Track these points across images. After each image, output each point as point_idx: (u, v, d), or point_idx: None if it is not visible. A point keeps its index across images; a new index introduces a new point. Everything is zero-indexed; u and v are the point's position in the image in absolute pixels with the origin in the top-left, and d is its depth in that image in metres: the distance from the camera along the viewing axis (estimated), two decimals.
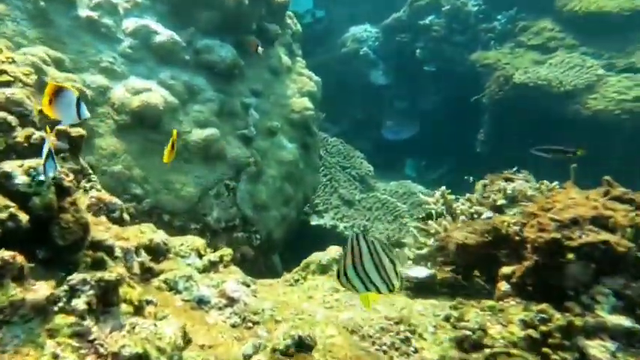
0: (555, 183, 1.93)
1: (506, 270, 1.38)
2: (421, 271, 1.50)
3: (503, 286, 1.35)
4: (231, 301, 1.31)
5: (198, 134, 2.67)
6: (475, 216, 1.88)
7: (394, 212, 5.23)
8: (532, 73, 5.14)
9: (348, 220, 5.00)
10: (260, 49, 2.79)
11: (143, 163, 2.50)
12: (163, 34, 2.72)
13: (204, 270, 1.47)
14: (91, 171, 1.69)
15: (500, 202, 1.83)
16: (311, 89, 3.39)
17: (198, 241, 1.58)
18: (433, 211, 2.02)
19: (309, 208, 5.09)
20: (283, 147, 3.08)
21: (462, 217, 1.84)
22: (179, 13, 2.85)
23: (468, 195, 2.09)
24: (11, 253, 0.87)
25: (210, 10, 2.84)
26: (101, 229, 1.22)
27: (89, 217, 1.11)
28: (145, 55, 2.69)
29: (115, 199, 1.55)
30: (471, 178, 2.37)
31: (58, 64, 2.34)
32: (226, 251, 1.58)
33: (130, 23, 2.69)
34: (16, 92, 1.18)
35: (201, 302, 1.29)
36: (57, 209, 1.00)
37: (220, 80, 2.94)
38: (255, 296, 1.37)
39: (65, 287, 0.94)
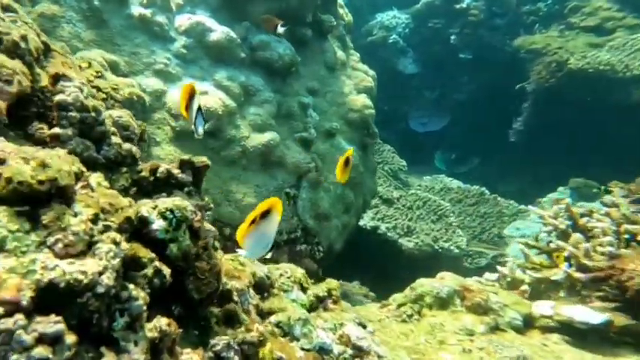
0: None
1: None
2: (591, 315, 1.31)
3: None
4: (360, 351, 1.17)
5: (257, 139, 2.53)
6: (626, 237, 1.71)
7: (437, 211, 5.06)
8: (591, 57, 4.86)
9: (389, 220, 4.85)
10: (280, 28, 2.46)
11: None
12: (218, 30, 2.56)
13: (312, 307, 1.33)
14: (211, 204, 1.55)
15: None
16: (368, 85, 3.21)
17: (298, 271, 1.44)
18: (546, 232, 1.85)
19: None
20: (343, 149, 2.92)
21: (607, 238, 1.66)
22: (233, 5, 2.68)
23: (604, 209, 1.91)
24: (167, 320, 0.74)
25: (268, 2, 2.67)
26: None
27: (221, 261, 0.97)
28: (199, 54, 2.54)
29: (211, 227, 1.41)
30: (601, 187, 2.15)
31: (114, 68, 2.20)
32: (333, 284, 1.44)
33: (182, 20, 2.53)
34: (123, 115, 1.04)
35: (322, 351, 1.16)
36: (193, 257, 0.87)
37: (276, 79, 2.78)
38: (378, 342, 1.23)
39: (210, 354, 0.81)
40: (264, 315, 1.21)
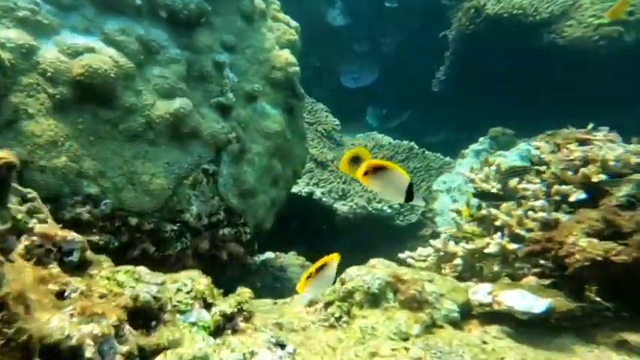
0: None
1: None
2: (532, 302, 1.16)
3: None
4: None
5: (165, 107, 2.10)
6: (558, 199, 1.58)
7: None
8: (505, 2, 4.82)
9: (324, 184, 4.66)
10: None
11: (96, 151, 1.92)
12: None
13: (218, 329, 1.05)
14: (33, 192, 1.17)
15: (598, 177, 1.50)
16: (291, 38, 2.84)
17: (201, 282, 1.13)
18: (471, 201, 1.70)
19: None
20: (267, 115, 2.59)
21: (539, 202, 1.54)
22: None
23: (534, 168, 1.76)
24: None
25: None
26: (49, 304, 0.75)
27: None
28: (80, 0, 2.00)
29: (71, 235, 1.06)
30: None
31: None
32: (244, 294, 1.16)
33: None
34: None
35: None
36: None
37: (184, 33, 2.32)
38: None
39: None
40: (146, 357, 0.91)
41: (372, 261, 1.40)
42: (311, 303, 1.35)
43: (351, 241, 4.42)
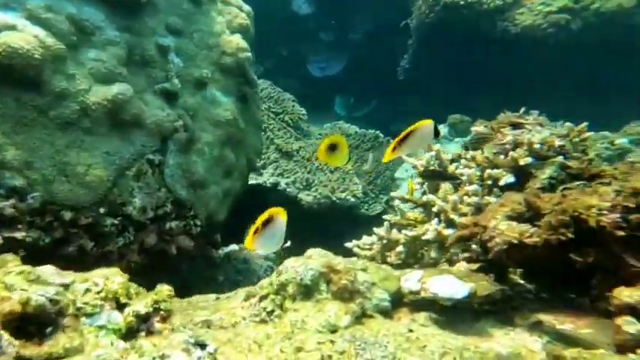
0: (584, 125, 1.62)
1: (627, 295, 0.91)
2: (456, 287, 1.12)
3: (629, 326, 0.91)
4: None
5: (101, 93, 1.95)
6: (488, 183, 1.55)
7: None
8: None
9: (289, 175, 4.57)
10: None
11: (21, 140, 1.76)
12: None
13: (130, 331, 0.95)
14: None
15: (524, 160, 1.49)
16: (243, 22, 2.71)
17: (115, 280, 1.02)
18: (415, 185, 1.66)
19: None
20: (217, 102, 2.46)
21: (473, 187, 1.50)
22: None
23: (470, 153, 1.72)
24: None
25: None
26: None
27: None
28: None
29: None
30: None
31: None
32: (163, 292, 1.05)
33: None
34: None
35: None
36: None
37: (123, 13, 2.16)
38: None
39: None
40: None
41: (310, 251, 1.33)
42: (248, 296, 1.26)
43: (317, 231, 4.36)
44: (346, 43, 7.76)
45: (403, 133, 1.22)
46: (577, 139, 1.44)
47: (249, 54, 2.60)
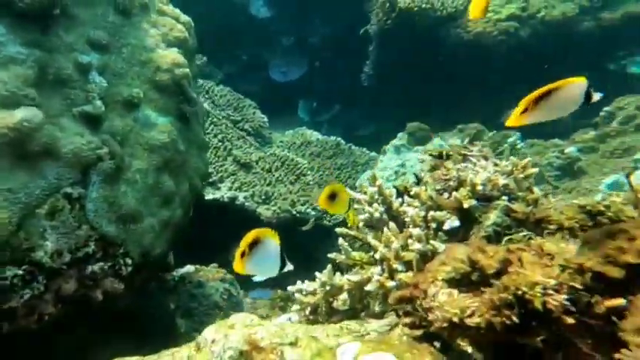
0: (528, 160, 1.47)
1: None
2: None
3: None
4: None
5: (1, 120, 1.66)
6: (433, 225, 1.38)
7: (295, 170, 4.70)
8: None
9: (247, 188, 4.33)
10: None
11: None
12: None
13: None
14: None
15: (468, 202, 1.33)
16: (180, 35, 2.46)
17: None
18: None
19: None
20: (152, 124, 2.20)
21: (416, 230, 1.32)
22: None
23: (414, 189, 1.54)
24: None
25: None
26: None
27: None
28: None
29: None
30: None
31: None
32: None
33: None
34: None
35: None
36: None
37: (32, 27, 1.87)
38: None
39: None
40: None
41: (233, 318, 1.13)
42: None
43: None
44: (307, 47, 7.57)
45: (540, 90, 0.95)
46: (521, 176, 1.30)
47: (187, 70, 2.35)
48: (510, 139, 3.65)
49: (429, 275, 0.96)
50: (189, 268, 3.78)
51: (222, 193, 4.25)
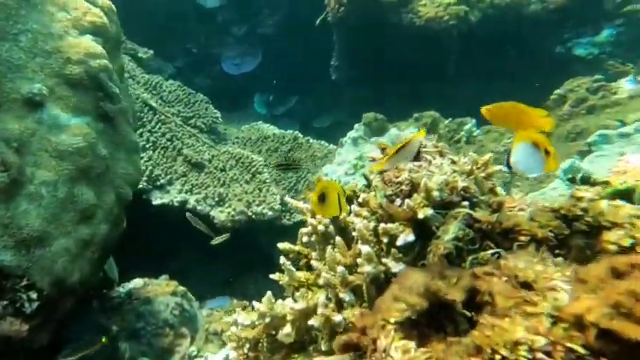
0: (489, 156, 1.25)
1: None
2: None
3: None
4: None
5: None
6: (385, 240, 1.11)
7: (250, 168, 4.36)
8: None
9: (199, 190, 3.95)
10: None
11: None
12: None
13: None
14: None
15: (423, 212, 1.06)
16: (97, 20, 2.06)
17: None
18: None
19: (147, 183, 3.85)
20: (62, 126, 1.81)
21: (366, 249, 1.03)
22: None
23: (362, 196, 1.25)
24: None
25: None
26: None
27: None
28: None
29: None
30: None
31: None
32: None
33: None
34: None
35: None
36: None
37: None
38: None
39: None
40: None
41: None
42: None
43: (241, 247, 3.83)
44: (259, 37, 7.17)
45: (394, 148, 1.03)
46: (482, 175, 1.06)
47: (105, 61, 1.96)
48: (467, 127, 3.49)
49: (379, 317, 0.70)
50: (136, 282, 3.37)
51: (172, 197, 3.86)
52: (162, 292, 3.19)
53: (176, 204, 3.77)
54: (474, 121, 3.66)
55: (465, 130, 3.45)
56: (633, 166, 1.07)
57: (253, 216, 3.69)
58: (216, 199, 3.83)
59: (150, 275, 3.43)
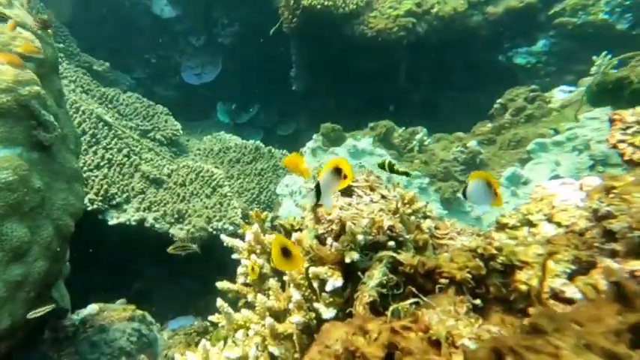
0: (413, 193, 1.21)
1: None
2: None
3: None
4: None
5: None
6: (315, 285, 1.05)
7: (210, 182, 4.24)
8: None
9: (157, 207, 3.80)
10: None
11: None
12: None
13: None
14: None
15: (350, 256, 1.02)
16: (26, 45, 1.92)
17: None
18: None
19: (102, 203, 3.65)
20: None
21: (296, 295, 0.98)
22: None
23: (294, 235, 1.17)
24: None
25: None
26: None
27: None
28: None
29: None
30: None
31: None
32: None
33: None
34: None
35: None
36: None
37: None
38: None
39: None
40: None
41: None
42: None
43: (202, 262, 3.70)
44: (218, 46, 7.02)
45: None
46: (409, 211, 1.05)
47: (37, 87, 1.82)
48: (418, 136, 3.53)
49: None
50: (92, 308, 3.19)
51: (129, 216, 3.68)
52: (118, 317, 3.04)
53: (133, 223, 3.60)
54: (425, 130, 3.71)
55: (417, 139, 3.49)
56: (549, 193, 1.09)
57: (214, 232, 3.58)
58: (176, 215, 3.69)
59: (112, 295, 3.27)
